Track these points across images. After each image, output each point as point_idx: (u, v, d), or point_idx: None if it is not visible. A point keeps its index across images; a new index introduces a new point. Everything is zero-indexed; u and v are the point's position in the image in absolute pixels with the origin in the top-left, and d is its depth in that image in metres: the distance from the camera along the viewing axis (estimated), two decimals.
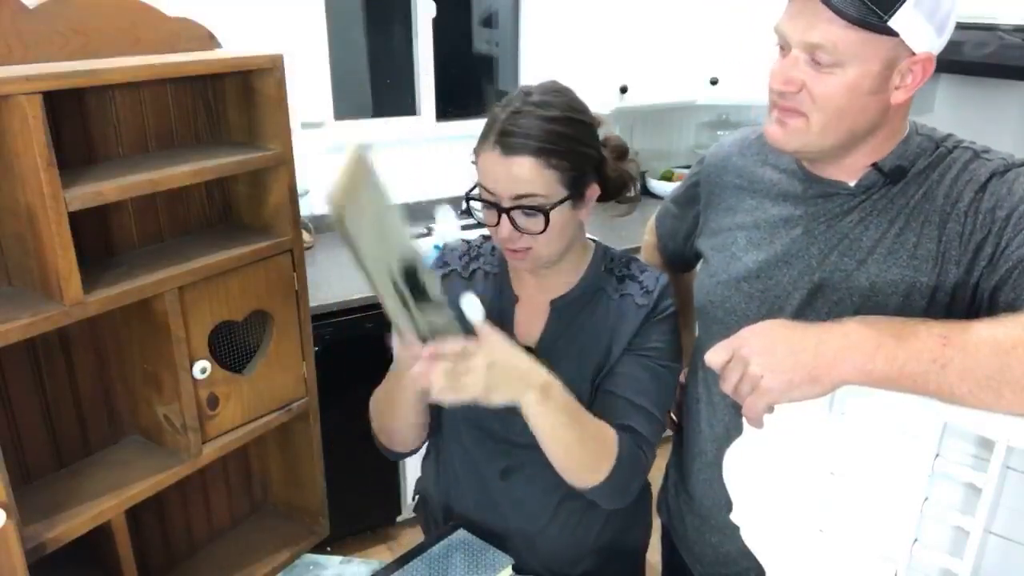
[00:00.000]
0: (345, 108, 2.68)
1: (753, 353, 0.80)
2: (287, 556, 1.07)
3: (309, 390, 1.02)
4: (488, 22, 3.40)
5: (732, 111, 3.36)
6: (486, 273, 1.16)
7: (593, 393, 1.08)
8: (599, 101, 2.83)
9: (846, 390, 0.82)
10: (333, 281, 2.24)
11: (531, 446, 1.00)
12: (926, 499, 0.77)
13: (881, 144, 0.95)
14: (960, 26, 2.34)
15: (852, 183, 0.97)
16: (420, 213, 2.96)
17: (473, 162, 1.05)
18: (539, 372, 0.94)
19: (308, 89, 2.52)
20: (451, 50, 3.08)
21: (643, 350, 1.08)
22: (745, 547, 0.94)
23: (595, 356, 1.09)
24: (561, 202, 1.00)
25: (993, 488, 0.72)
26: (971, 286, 0.90)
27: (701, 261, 1.15)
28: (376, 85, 3.15)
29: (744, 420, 0.87)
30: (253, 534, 1.11)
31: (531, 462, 1.07)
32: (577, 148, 1.02)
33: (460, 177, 3.16)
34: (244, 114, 0.91)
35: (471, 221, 3.04)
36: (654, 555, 1.38)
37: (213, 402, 0.90)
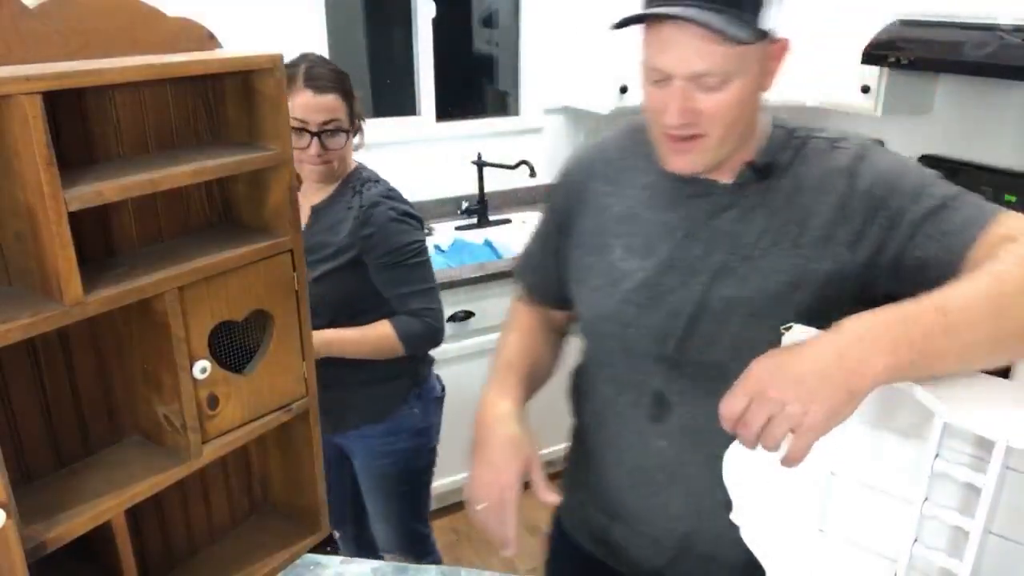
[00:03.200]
0: None
1: (784, 391, 0.72)
2: (287, 556, 1.07)
3: (309, 390, 1.02)
4: (488, 22, 3.40)
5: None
6: None
7: (323, 277, 1.63)
8: (599, 101, 2.84)
9: None
10: None
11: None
12: (926, 499, 0.77)
13: (750, 142, 0.98)
14: (960, 26, 2.35)
15: (727, 181, 0.98)
16: (421, 212, 2.96)
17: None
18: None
19: None
20: (451, 50, 3.09)
21: (380, 257, 1.65)
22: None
23: (324, 250, 1.64)
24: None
25: (992, 488, 0.72)
26: (863, 263, 0.93)
27: (577, 274, 1.11)
28: (376, 85, 3.15)
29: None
30: (253, 534, 1.11)
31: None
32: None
33: (460, 177, 3.18)
34: (244, 114, 0.91)
35: (468, 221, 3.04)
36: None
37: (213, 402, 0.90)
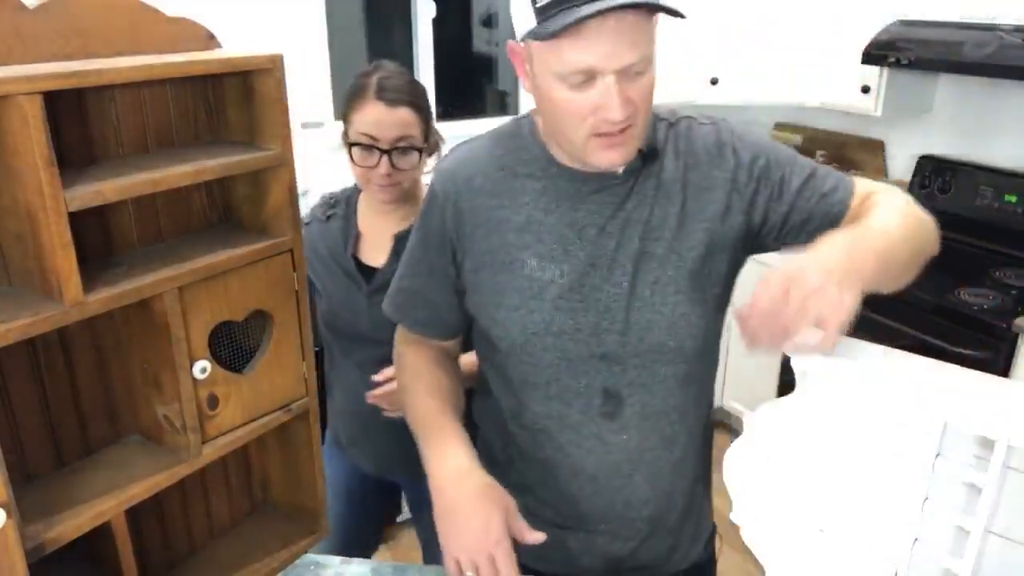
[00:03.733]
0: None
1: (822, 277, 0.81)
2: (287, 556, 1.07)
3: (309, 390, 1.02)
4: (488, 22, 3.40)
5: (732, 111, 3.36)
6: (340, 217, 1.52)
7: None
8: None
9: (848, 389, 0.82)
10: None
11: (382, 342, 1.38)
12: (926, 499, 0.77)
13: None
14: (960, 26, 2.35)
15: (618, 171, 1.00)
16: None
17: (343, 118, 1.43)
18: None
19: (308, 89, 2.52)
20: (451, 50, 3.09)
21: None
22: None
23: None
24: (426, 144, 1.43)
25: (994, 488, 0.72)
26: (756, 227, 1.03)
27: (488, 297, 1.05)
28: None
29: (743, 425, 0.88)
30: (253, 534, 1.11)
31: (382, 356, 1.42)
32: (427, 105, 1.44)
33: None
34: (244, 114, 0.91)
35: None
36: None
37: (213, 402, 0.90)
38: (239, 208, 0.97)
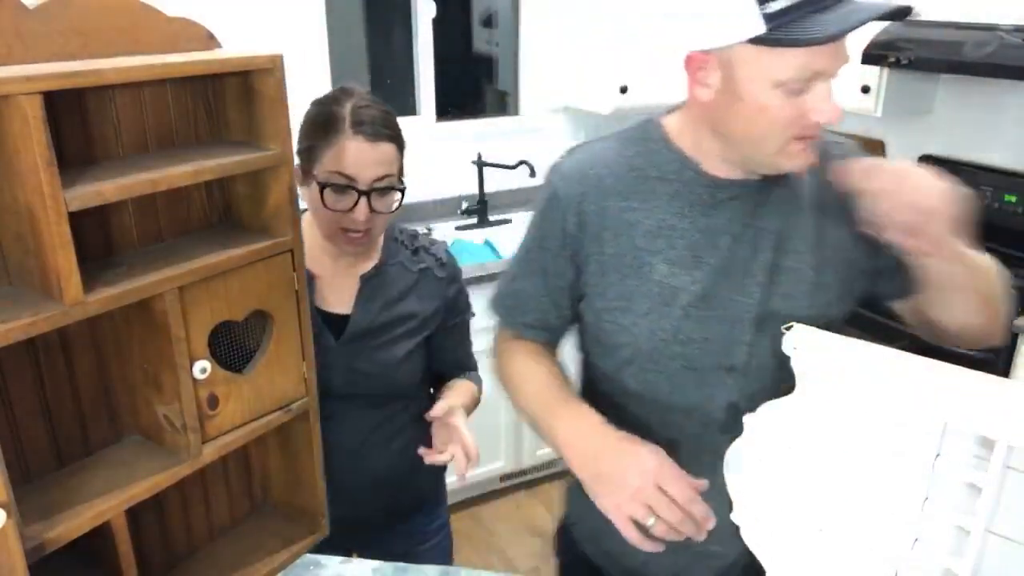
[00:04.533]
0: None
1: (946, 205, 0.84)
2: (287, 556, 1.07)
3: (309, 390, 1.02)
4: (488, 22, 3.40)
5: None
6: None
7: (410, 355, 1.35)
8: (599, 101, 2.84)
9: (848, 389, 0.82)
10: None
11: (355, 395, 1.33)
12: (926, 499, 0.77)
13: None
14: (960, 26, 2.35)
15: (752, 179, 0.98)
16: (420, 213, 2.96)
17: (305, 151, 1.22)
18: None
19: (308, 89, 2.52)
20: (451, 50, 3.09)
21: (457, 319, 1.44)
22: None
23: (409, 323, 1.35)
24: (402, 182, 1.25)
25: (994, 487, 0.72)
26: (881, 261, 1.00)
27: (615, 302, 1.02)
28: (376, 85, 3.16)
29: (744, 422, 0.89)
30: (253, 534, 1.11)
31: (351, 407, 1.35)
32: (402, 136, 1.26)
33: (461, 177, 3.18)
34: (244, 114, 0.91)
35: (469, 221, 3.04)
36: None
37: (213, 402, 0.90)
38: (239, 208, 0.97)
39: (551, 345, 1.14)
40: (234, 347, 0.94)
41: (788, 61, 0.84)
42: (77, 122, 0.81)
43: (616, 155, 1.03)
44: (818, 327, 0.90)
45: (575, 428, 0.97)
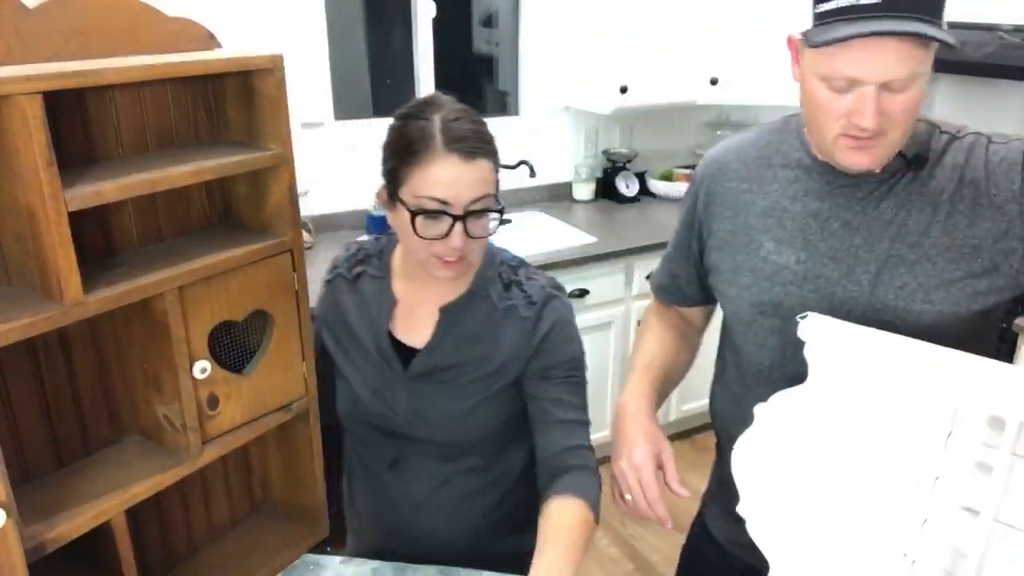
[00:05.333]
0: (345, 108, 2.68)
1: None
2: (287, 556, 1.07)
3: (309, 390, 1.02)
4: (488, 22, 3.40)
5: (732, 111, 3.36)
6: (371, 277, 1.20)
7: (480, 405, 1.14)
8: (599, 101, 2.84)
9: (862, 376, 0.82)
10: None
11: (417, 439, 1.16)
12: (937, 478, 0.77)
13: None
14: (960, 26, 2.34)
15: (876, 170, 0.98)
16: None
17: (390, 172, 1.06)
18: None
19: (308, 89, 2.52)
20: (451, 50, 3.09)
21: (554, 370, 1.14)
22: None
23: (482, 367, 1.14)
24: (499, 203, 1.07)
25: (1004, 468, 0.72)
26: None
27: (726, 275, 1.10)
28: (376, 85, 3.16)
29: (755, 410, 0.91)
30: (253, 534, 1.11)
31: (416, 453, 1.18)
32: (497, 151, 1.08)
33: None
34: (244, 114, 0.91)
35: None
36: None
37: (213, 402, 0.90)
38: (239, 208, 0.97)
39: (687, 306, 1.27)
40: (234, 347, 0.94)
41: (824, 60, 0.90)
42: (77, 122, 0.81)
43: (750, 143, 1.11)
44: (942, 325, 0.94)
45: (623, 405, 1.14)
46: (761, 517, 0.91)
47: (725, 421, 1.19)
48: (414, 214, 1.01)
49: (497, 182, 1.07)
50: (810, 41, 0.91)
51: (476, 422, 1.14)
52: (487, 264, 1.15)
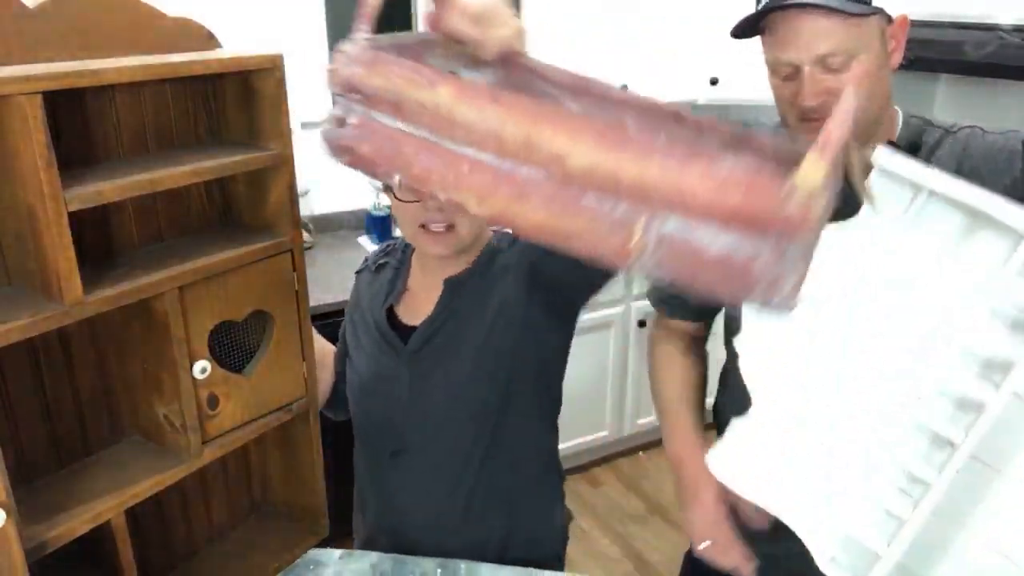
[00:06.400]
0: None
1: None
2: (287, 556, 1.07)
3: (309, 390, 1.02)
4: None
5: (732, 111, 3.36)
6: (392, 267, 1.25)
7: (482, 368, 1.12)
8: None
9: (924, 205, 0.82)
10: (333, 281, 2.24)
11: (418, 427, 1.15)
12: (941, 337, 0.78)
13: (888, 122, 1.03)
14: (960, 26, 2.35)
15: None
16: None
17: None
18: None
19: (308, 89, 2.52)
20: None
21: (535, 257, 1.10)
22: None
23: (479, 325, 1.13)
24: None
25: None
26: None
27: None
28: None
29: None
30: (253, 534, 1.11)
31: (417, 445, 1.17)
32: None
33: None
34: (244, 114, 0.91)
35: None
36: None
37: (213, 402, 0.90)
38: (239, 208, 0.97)
39: (690, 321, 1.25)
40: (234, 347, 0.94)
41: (768, 50, 0.97)
42: (77, 122, 0.81)
43: None
44: None
45: (675, 441, 1.18)
46: (754, 352, 0.92)
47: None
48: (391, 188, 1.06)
49: None
50: (740, 33, 0.97)
51: (480, 392, 1.13)
52: (497, 238, 1.18)
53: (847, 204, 0.86)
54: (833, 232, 0.86)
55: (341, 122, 0.70)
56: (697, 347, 1.27)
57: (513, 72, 0.70)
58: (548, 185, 0.61)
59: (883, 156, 0.83)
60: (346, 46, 0.69)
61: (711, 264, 0.58)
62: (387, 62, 0.66)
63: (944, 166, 0.97)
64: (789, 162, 0.56)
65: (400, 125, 0.66)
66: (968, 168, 0.98)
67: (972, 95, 2.75)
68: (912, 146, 1.00)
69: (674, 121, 0.64)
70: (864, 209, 0.87)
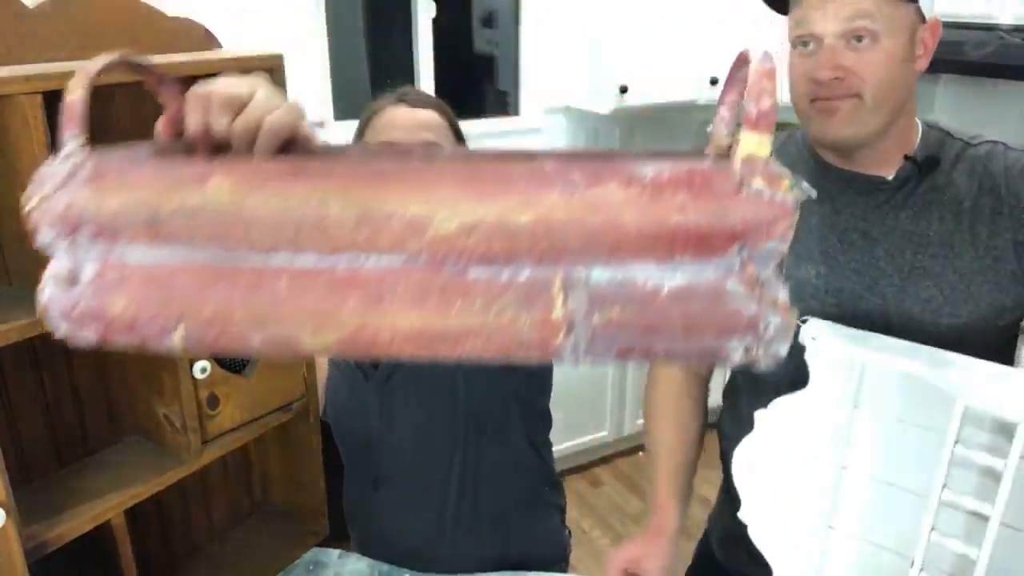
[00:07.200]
0: (345, 108, 2.68)
1: None
2: (287, 556, 1.07)
3: (309, 390, 1.02)
4: (488, 22, 3.40)
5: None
6: None
7: (455, 384, 1.08)
8: (599, 101, 2.84)
9: (862, 381, 0.81)
10: None
11: (394, 450, 1.11)
12: (944, 486, 0.77)
13: (907, 131, 0.97)
14: (960, 26, 2.35)
15: (888, 177, 0.96)
16: None
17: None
18: None
19: (308, 89, 2.52)
20: (451, 50, 3.08)
21: None
22: None
23: None
24: None
25: (1013, 471, 0.72)
26: None
27: None
28: (376, 85, 3.16)
29: (755, 415, 0.89)
30: (253, 534, 1.11)
31: (397, 470, 1.14)
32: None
33: None
34: None
35: None
36: None
37: (213, 402, 0.90)
38: None
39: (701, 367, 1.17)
40: None
41: (792, 24, 0.93)
42: None
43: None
44: (968, 337, 0.90)
45: (658, 505, 1.13)
46: (762, 522, 0.91)
47: (733, 444, 1.17)
48: None
49: (454, 140, 1.11)
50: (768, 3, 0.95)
51: (446, 426, 1.10)
52: None
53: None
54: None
55: (71, 279, 0.48)
56: (699, 389, 1.18)
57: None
58: (412, 272, 0.42)
59: (811, 331, 0.83)
60: (50, 166, 0.49)
61: (670, 309, 0.43)
62: (123, 170, 0.46)
63: (964, 183, 0.95)
64: (719, 157, 0.45)
65: (165, 254, 0.44)
66: (988, 187, 0.93)
67: (972, 95, 2.75)
68: (931, 160, 0.96)
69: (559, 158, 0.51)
70: (812, 380, 0.84)
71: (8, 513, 0.68)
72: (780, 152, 1.06)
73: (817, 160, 1.01)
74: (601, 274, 0.42)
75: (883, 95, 0.90)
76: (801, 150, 1.04)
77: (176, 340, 0.45)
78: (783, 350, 0.44)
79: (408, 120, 1.04)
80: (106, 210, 0.44)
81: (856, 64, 0.88)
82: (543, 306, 0.42)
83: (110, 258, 0.45)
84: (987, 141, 0.99)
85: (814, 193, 0.46)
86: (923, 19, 0.92)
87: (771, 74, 0.42)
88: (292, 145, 0.51)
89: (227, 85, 0.54)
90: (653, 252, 0.41)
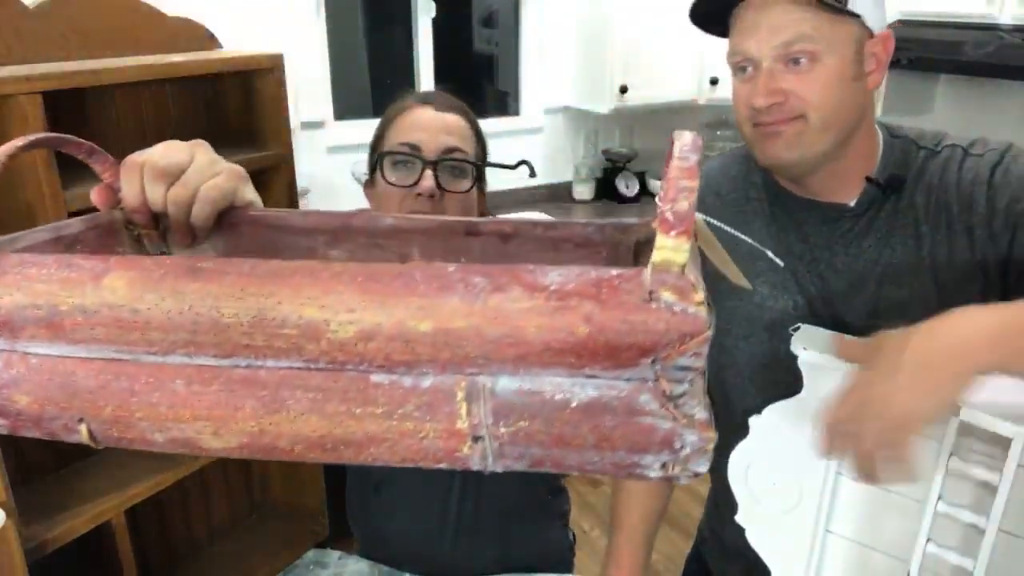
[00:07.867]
0: (345, 108, 2.69)
1: (885, 380, 0.70)
2: (287, 556, 1.07)
3: None
4: (488, 22, 3.41)
5: (732, 111, 3.36)
6: None
7: None
8: (599, 101, 2.84)
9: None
10: None
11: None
12: (940, 498, 0.77)
13: (865, 150, 0.93)
14: (960, 26, 2.35)
15: (851, 203, 0.92)
16: None
17: (372, 150, 1.02)
18: None
19: (308, 89, 2.52)
20: (451, 50, 3.09)
21: None
22: None
23: None
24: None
25: (1008, 486, 0.72)
26: (1001, 278, 0.88)
27: (718, 323, 1.02)
28: (376, 85, 3.16)
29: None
30: (253, 534, 1.11)
31: (398, 476, 1.10)
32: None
33: None
34: (244, 114, 0.91)
35: None
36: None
37: None
38: None
39: None
40: None
41: (730, 47, 0.90)
42: (77, 122, 0.81)
43: (722, 174, 1.02)
44: None
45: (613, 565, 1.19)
46: (760, 526, 0.91)
47: (723, 453, 1.14)
48: (384, 157, 0.97)
49: (475, 150, 1.07)
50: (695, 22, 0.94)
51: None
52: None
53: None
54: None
55: None
56: None
57: (247, 233, 0.54)
58: (312, 376, 0.42)
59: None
60: None
61: (580, 423, 0.41)
62: (16, 265, 0.44)
63: (923, 199, 0.91)
64: (630, 247, 0.41)
65: (66, 349, 0.44)
66: (943, 202, 0.90)
67: (972, 95, 2.75)
68: (894, 180, 0.91)
69: (467, 235, 0.51)
70: (806, 386, 0.81)
71: (8, 513, 0.68)
72: (745, 171, 1.00)
73: (775, 184, 0.97)
74: (508, 384, 0.40)
75: (829, 115, 0.86)
76: (760, 174, 0.98)
77: (83, 436, 0.46)
78: (702, 468, 0.42)
79: (433, 123, 1.01)
80: (4, 307, 0.43)
81: (797, 86, 0.85)
82: (447, 416, 0.41)
83: (13, 354, 0.44)
84: (948, 144, 0.93)
85: (749, 286, 0.42)
86: (871, 34, 0.87)
87: (691, 172, 0.40)
88: (232, 212, 0.52)
89: (164, 153, 0.52)
90: (561, 363, 0.39)
